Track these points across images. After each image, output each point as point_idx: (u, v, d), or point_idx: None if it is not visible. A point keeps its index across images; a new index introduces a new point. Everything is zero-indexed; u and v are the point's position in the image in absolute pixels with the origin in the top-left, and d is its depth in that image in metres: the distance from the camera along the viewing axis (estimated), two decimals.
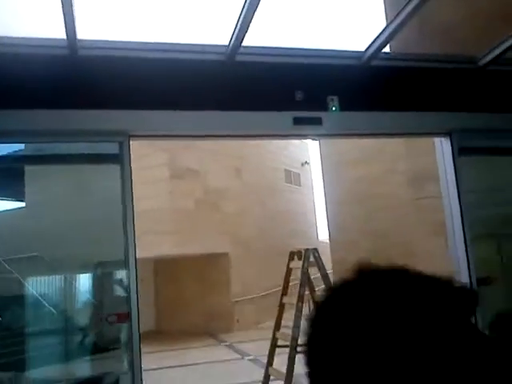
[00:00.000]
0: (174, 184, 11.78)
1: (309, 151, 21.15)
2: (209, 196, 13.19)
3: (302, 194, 19.87)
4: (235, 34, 3.26)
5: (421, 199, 11.33)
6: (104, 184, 3.40)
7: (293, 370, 4.13)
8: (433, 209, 10.97)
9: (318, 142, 16.73)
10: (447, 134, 3.85)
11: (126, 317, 3.07)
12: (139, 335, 3.07)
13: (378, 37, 3.56)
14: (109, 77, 3.25)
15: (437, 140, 4.01)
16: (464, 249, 3.70)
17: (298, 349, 4.19)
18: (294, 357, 4.19)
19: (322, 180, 16.39)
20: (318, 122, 3.47)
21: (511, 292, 4.66)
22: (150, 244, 10.51)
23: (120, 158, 3.25)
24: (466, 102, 3.87)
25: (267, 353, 9.52)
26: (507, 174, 6.15)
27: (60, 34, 3.02)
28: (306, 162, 20.11)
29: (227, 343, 11.39)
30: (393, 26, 3.44)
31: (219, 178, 13.71)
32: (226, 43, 3.41)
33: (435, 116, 3.78)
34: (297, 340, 4.20)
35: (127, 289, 3.12)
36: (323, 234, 20.25)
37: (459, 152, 3.83)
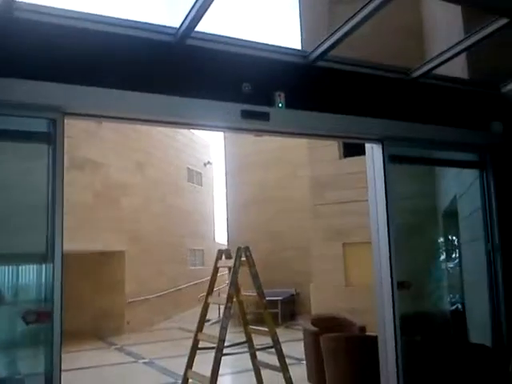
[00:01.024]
0: (73, 175, 10.92)
1: (211, 152, 21.10)
2: (109, 190, 12.47)
3: (203, 194, 19.75)
4: (189, 17, 3.07)
5: (319, 205, 11.80)
6: (29, 166, 2.98)
7: (218, 373, 4.00)
8: (329, 215, 11.54)
9: (223, 142, 16.74)
10: (379, 140, 3.99)
11: (47, 316, 2.71)
12: (61, 336, 2.73)
13: (325, 40, 3.59)
14: (45, 45, 2.87)
15: (368, 146, 4.15)
16: (388, 255, 3.84)
17: (225, 351, 4.06)
18: (220, 359, 4.05)
19: (224, 181, 16.39)
20: (265, 117, 3.40)
21: (423, 295, 5.00)
22: None
23: (52, 138, 2.88)
24: (399, 111, 4.05)
25: (163, 356, 9.24)
26: (428, 184, 6.61)
27: None
28: (208, 162, 20.02)
29: (118, 346, 10.80)
30: (340, 32, 3.48)
31: (121, 171, 13.05)
32: (177, 25, 3.21)
33: (370, 122, 3.90)
34: (224, 341, 4.06)
35: (51, 285, 2.76)
36: (220, 236, 20.30)
37: (389, 159, 4.00)
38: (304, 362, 6.22)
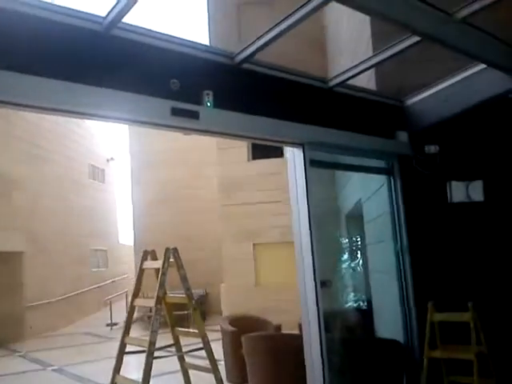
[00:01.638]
0: None
1: (114, 147, 20.32)
2: None
3: (106, 192, 18.98)
4: (118, 6, 2.96)
5: (228, 205, 11.92)
6: None
7: (150, 377, 3.87)
8: (238, 216, 11.71)
9: (128, 138, 16.24)
10: (300, 144, 4.14)
11: None
12: None
13: (251, 43, 3.65)
14: None
15: (289, 150, 4.29)
16: (311, 255, 4.00)
17: (156, 354, 3.95)
18: (151, 362, 3.92)
19: (130, 179, 15.92)
20: (195, 115, 3.38)
21: (341, 292, 5.26)
22: None
23: None
24: (318, 117, 4.24)
25: (73, 362, 8.72)
26: (332, 188, 6.92)
27: None
28: (111, 158, 19.27)
29: (21, 353, 10.03)
30: (268, 36, 3.56)
31: (12, 163, 12.08)
32: (103, 14, 3.09)
33: (292, 126, 4.03)
34: (154, 344, 3.94)
35: None
36: (125, 236, 19.66)
37: (310, 163, 4.17)
38: (222, 362, 6.24)
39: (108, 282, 17.21)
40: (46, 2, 2.90)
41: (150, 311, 12.40)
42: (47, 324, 12.65)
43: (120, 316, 14.24)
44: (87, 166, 17.33)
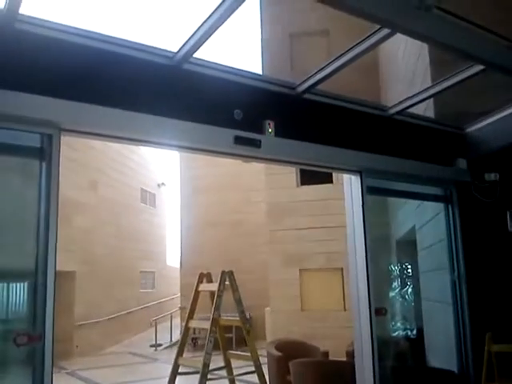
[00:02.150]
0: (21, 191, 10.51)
1: (164, 173, 20.91)
2: (61, 208, 12.03)
3: (156, 216, 19.46)
4: (190, 42, 3.13)
5: (275, 231, 11.95)
6: (23, 182, 2.91)
7: None
8: (285, 241, 11.71)
9: (178, 164, 16.67)
10: (358, 171, 4.17)
11: (38, 338, 2.62)
12: (52, 358, 2.64)
13: (313, 74, 3.75)
14: (45, 59, 2.84)
15: (346, 177, 4.32)
16: (366, 283, 3.98)
17: (210, 376, 4.00)
18: None
19: (179, 203, 16.27)
20: (257, 144, 3.48)
21: (396, 320, 5.16)
22: None
23: (47, 154, 2.82)
24: (376, 144, 4.26)
25: (118, 381, 8.91)
26: (386, 214, 6.86)
27: None
28: (162, 184, 19.80)
29: (68, 370, 10.33)
30: (328, 69, 3.64)
31: (73, 188, 12.68)
32: (174, 49, 3.27)
33: (350, 154, 4.07)
34: (208, 366, 4.00)
35: (42, 305, 2.68)
36: (172, 259, 19.99)
37: (367, 190, 4.18)
38: None
39: (155, 302, 17.48)
40: (120, 38, 3.10)
41: (194, 333, 12.50)
42: (94, 343, 12.95)
43: (164, 337, 14.40)
44: (139, 190, 17.88)
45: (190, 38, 3.12)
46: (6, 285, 2.81)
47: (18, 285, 2.85)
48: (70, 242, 12.08)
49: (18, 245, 2.85)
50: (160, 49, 3.29)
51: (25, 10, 2.67)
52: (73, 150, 12.57)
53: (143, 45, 3.22)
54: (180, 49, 3.23)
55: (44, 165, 2.84)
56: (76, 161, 12.83)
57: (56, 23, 2.88)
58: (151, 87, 3.23)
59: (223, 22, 2.88)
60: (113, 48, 3.08)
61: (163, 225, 20.58)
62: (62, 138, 2.89)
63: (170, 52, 3.29)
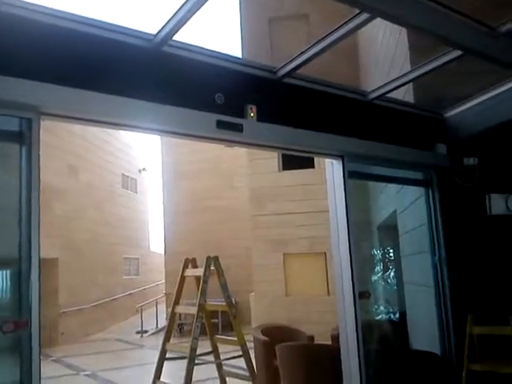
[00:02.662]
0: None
1: (146, 158, 20.74)
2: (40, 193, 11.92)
3: (138, 202, 19.35)
4: (169, 24, 3.10)
5: (258, 215, 12.01)
6: (2, 168, 2.87)
7: (191, 383, 3.96)
8: (269, 226, 11.78)
9: (160, 149, 16.56)
10: (340, 156, 4.20)
11: (24, 325, 2.61)
12: (39, 345, 2.64)
13: (294, 58, 3.75)
14: (25, 42, 2.78)
15: (328, 161, 4.35)
16: (349, 267, 4.03)
17: (197, 360, 4.04)
18: (193, 369, 4.02)
19: (161, 188, 16.20)
20: (239, 128, 3.48)
21: (379, 304, 5.25)
22: None
23: (27, 138, 2.79)
24: (357, 129, 4.30)
25: (105, 368, 8.95)
26: (366, 199, 6.93)
27: None
28: (143, 169, 19.66)
29: (54, 358, 10.32)
30: (309, 53, 3.65)
31: (53, 174, 12.52)
32: (154, 32, 3.24)
33: (332, 138, 4.10)
34: (195, 351, 4.04)
35: (27, 292, 2.67)
36: (155, 245, 19.95)
37: (349, 174, 4.22)
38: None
39: (139, 289, 17.48)
40: (98, 20, 3.06)
41: (180, 319, 12.56)
42: (79, 330, 12.93)
43: (150, 323, 14.44)
44: (120, 176, 17.73)
45: (169, 20, 3.08)
46: None
47: (2, 272, 2.83)
48: (52, 228, 11.96)
49: (1, 232, 2.82)
50: (139, 31, 3.25)
51: None
52: (52, 135, 12.39)
53: (122, 27, 3.18)
54: (159, 31, 3.20)
55: (24, 149, 2.80)
56: (55, 146, 12.65)
57: (35, 4, 2.82)
58: (131, 70, 3.20)
59: (203, 4, 2.86)
60: (92, 30, 3.04)
61: (146, 211, 20.49)
62: (41, 122, 2.86)
63: (149, 34, 3.25)
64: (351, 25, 3.20)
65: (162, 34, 3.19)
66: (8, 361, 2.74)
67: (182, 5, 2.92)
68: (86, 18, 3.00)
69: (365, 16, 3.05)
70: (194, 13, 2.94)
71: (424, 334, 5.28)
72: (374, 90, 4.45)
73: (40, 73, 2.77)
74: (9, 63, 2.69)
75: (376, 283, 7.35)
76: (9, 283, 2.81)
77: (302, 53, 3.67)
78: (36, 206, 2.76)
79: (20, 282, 2.68)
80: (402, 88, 4.89)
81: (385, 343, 5.39)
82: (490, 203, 4.69)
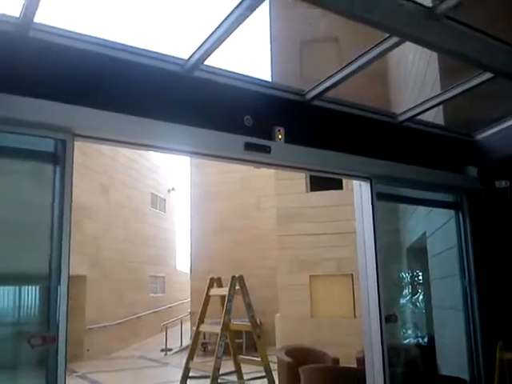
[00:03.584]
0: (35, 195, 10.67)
1: (175, 178, 21.02)
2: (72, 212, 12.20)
3: (166, 221, 19.56)
4: (200, 50, 3.18)
5: (284, 236, 11.96)
6: (37, 186, 2.97)
7: None
8: (295, 246, 11.71)
9: (189, 170, 16.76)
10: (368, 178, 4.18)
11: (52, 339, 2.67)
12: (65, 360, 2.69)
13: (322, 81, 3.78)
14: (59, 66, 2.90)
15: (356, 183, 4.33)
16: (376, 289, 3.98)
17: (219, 380, 4.03)
18: None
19: (189, 208, 16.34)
20: (267, 150, 3.51)
21: (406, 327, 5.15)
22: None
23: (61, 159, 2.88)
24: (386, 151, 4.28)
25: None
26: (396, 221, 6.85)
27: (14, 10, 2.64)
28: (172, 189, 19.93)
29: (79, 373, 10.42)
30: (338, 76, 3.67)
31: (84, 193, 12.82)
32: (185, 57, 3.32)
33: (360, 160, 4.09)
34: (218, 370, 4.03)
35: (55, 308, 2.73)
36: (181, 264, 20.06)
37: (377, 196, 4.19)
38: None
39: (164, 307, 17.54)
40: (132, 46, 3.16)
41: (204, 338, 12.52)
42: (104, 347, 13.02)
43: (174, 342, 14.43)
44: (149, 195, 18.00)
45: (200, 46, 3.17)
46: (21, 288, 2.86)
47: (33, 288, 2.90)
48: (81, 246, 12.20)
49: (33, 249, 2.90)
50: (171, 56, 3.34)
51: (39, 18, 2.74)
52: (83, 155, 12.72)
53: (155, 52, 3.28)
54: (191, 56, 3.28)
55: (58, 169, 2.89)
56: (86, 166, 12.97)
57: (69, 31, 2.94)
58: (162, 94, 3.28)
59: (234, 30, 2.92)
60: (125, 55, 3.14)
61: (173, 230, 20.68)
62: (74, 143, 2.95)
63: (180, 59, 3.34)
64: (380, 48, 3.21)
65: (194, 59, 3.27)
66: (34, 375, 2.79)
67: (214, 30, 3.00)
68: (119, 44, 3.11)
69: (394, 40, 3.07)
70: (225, 38, 3.00)
71: (453, 359, 5.13)
72: (403, 112, 4.43)
73: (75, 96, 2.88)
74: (45, 87, 2.81)
75: (404, 306, 7.19)
76: (38, 299, 2.87)
77: (331, 76, 3.69)
78: (67, 224, 2.83)
79: (49, 298, 2.74)
80: (432, 110, 4.86)
81: (412, 367, 5.25)
82: None
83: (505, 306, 4.46)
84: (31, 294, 2.91)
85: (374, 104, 4.55)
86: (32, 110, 2.74)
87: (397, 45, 3.13)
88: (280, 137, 3.65)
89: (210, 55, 3.21)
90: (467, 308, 4.63)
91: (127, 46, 3.15)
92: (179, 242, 20.77)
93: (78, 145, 3.05)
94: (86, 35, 3.01)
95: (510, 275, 4.53)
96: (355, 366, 5.97)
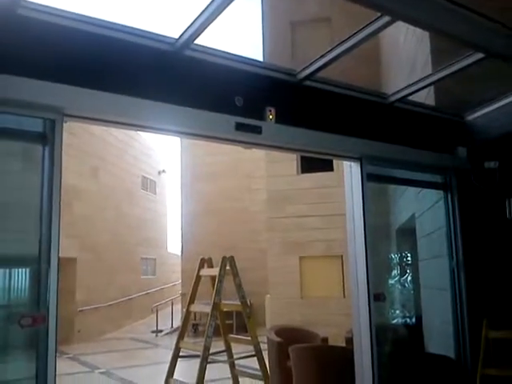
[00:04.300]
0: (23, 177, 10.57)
1: (165, 160, 20.93)
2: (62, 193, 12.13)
3: (157, 203, 19.52)
4: (191, 29, 3.14)
5: (275, 218, 11.99)
6: (25, 167, 2.94)
7: (203, 382, 3.99)
8: (285, 228, 11.76)
9: (179, 151, 16.68)
10: (358, 158, 4.19)
11: (42, 319, 2.67)
12: (56, 341, 2.70)
13: (314, 61, 3.76)
14: (48, 45, 2.85)
15: (346, 164, 4.34)
16: (365, 268, 4.02)
17: (209, 359, 4.07)
18: (205, 367, 4.05)
19: (180, 190, 16.31)
20: (258, 130, 3.51)
21: (394, 307, 5.22)
22: None
23: (50, 139, 2.85)
24: (376, 132, 4.28)
25: (120, 366, 9.05)
26: (385, 202, 6.89)
27: None
28: (162, 171, 19.84)
29: (70, 355, 10.47)
30: (329, 56, 3.65)
31: (74, 175, 12.72)
32: (176, 35, 3.28)
33: (350, 141, 4.09)
34: (209, 350, 4.07)
35: (46, 288, 2.73)
36: (172, 246, 20.10)
37: (367, 177, 4.20)
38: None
39: (156, 289, 17.63)
40: (121, 24, 3.10)
41: (195, 319, 12.63)
42: (95, 328, 13.09)
43: (165, 323, 14.54)
44: (140, 177, 17.92)
45: (191, 25, 3.13)
46: (10, 270, 2.85)
47: (23, 270, 2.89)
48: (71, 228, 12.14)
49: (22, 230, 2.89)
50: (161, 35, 3.30)
51: None
52: (73, 137, 12.59)
53: (145, 31, 3.23)
54: (181, 35, 3.24)
55: (47, 150, 2.87)
56: (76, 147, 12.85)
57: (58, 9, 2.89)
58: (153, 73, 3.25)
59: (225, 8, 2.89)
60: (115, 34, 3.09)
61: (164, 212, 20.67)
62: (64, 124, 2.92)
63: (171, 38, 3.30)
64: (372, 28, 3.19)
65: (184, 37, 3.23)
66: (24, 356, 2.80)
67: (204, 9, 2.96)
68: (109, 22, 3.06)
69: (386, 19, 3.05)
70: (216, 17, 2.97)
71: (439, 338, 5.23)
72: (394, 93, 4.43)
73: (63, 75, 2.84)
74: (33, 66, 2.76)
75: (392, 287, 7.29)
76: (28, 280, 2.88)
77: (322, 56, 3.67)
78: (57, 205, 2.81)
79: (39, 280, 2.74)
80: (423, 91, 4.86)
81: (399, 346, 5.35)
82: (510, 207, 4.64)
83: (491, 285, 4.54)
84: (21, 276, 2.90)
85: (365, 85, 4.54)
86: (21, 88, 2.70)
87: (388, 24, 3.11)
88: (271, 117, 3.64)
89: (200, 34, 3.18)
90: (454, 288, 4.70)
91: (117, 24, 3.10)
92: (170, 224, 20.80)
93: (68, 126, 3.02)
94: (75, 13, 2.96)
95: (497, 255, 4.60)
96: (344, 345, 6.07)
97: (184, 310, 4.97)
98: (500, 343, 4.29)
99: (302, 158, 11.45)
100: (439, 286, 5.12)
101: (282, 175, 12.01)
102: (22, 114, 2.80)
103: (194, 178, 16.05)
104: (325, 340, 6.59)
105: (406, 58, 6.97)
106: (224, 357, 4.95)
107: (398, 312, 6.80)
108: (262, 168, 12.88)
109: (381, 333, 4.40)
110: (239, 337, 5.42)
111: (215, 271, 4.56)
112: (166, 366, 4.80)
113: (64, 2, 3.03)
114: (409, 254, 7.46)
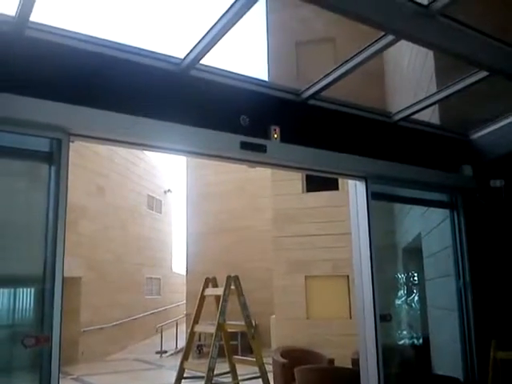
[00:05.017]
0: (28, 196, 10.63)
1: (171, 179, 21.00)
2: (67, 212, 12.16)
3: (162, 222, 19.52)
4: (196, 49, 3.18)
5: (280, 237, 11.93)
6: (31, 186, 2.95)
7: None
8: (291, 248, 11.69)
9: (185, 170, 16.74)
10: (363, 178, 4.18)
11: (46, 340, 2.65)
12: (59, 361, 2.67)
13: (318, 81, 3.78)
14: (55, 65, 2.89)
15: (351, 183, 4.33)
16: (371, 288, 3.98)
17: (214, 380, 4.01)
18: None
19: (186, 209, 16.30)
20: (263, 149, 3.52)
21: (401, 327, 5.14)
22: None
23: (56, 159, 2.87)
24: (381, 150, 4.28)
25: None
26: (391, 221, 6.85)
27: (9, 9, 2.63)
28: (168, 190, 19.89)
29: (74, 376, 10.37)
30: (333, 75, 3.67)
31: (79, 194, 12.77)
32: (181, 56, 3.32)
33: (355, 160, 4.09)
34: (213, 371, 4.01)
35: (50, 308, 2.71)
36: (177, 265, 20.03)
37: (372, 196, 4.19)
38: None
39: (160, 309, 17.50)
40: (127, 45, 3.15)
41: (200, 340, 12.49)
42: (99, 349, 12.97)
43: (169, 344, 14.39)
44: (146, 196, 17.97)
45: (196, 45, 3.16)
46: (15, 290, 2.84)
47: (27, 289, 2.88)
48: (76, 247, 12.15)
49: (27, 250, 2.89)
50: (167, 55, 3.34)
51: (35, 17, 2.73)
52: (79, 156, 12.67)
53: (151, 51, 3.27)
54: (187, 55, 3.28)
55: (53, 169, 2.88)
56: (82, 166, 12.93)
57: (65, 30, 2.94)
58: (159, 93, 3.27)
59: (230, 29, 2.92)
60: (121, 54, 3.13)
61: (169, 231, 20.64)
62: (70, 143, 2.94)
63: (176, 58, 3.34)
64: (375, 47, 3.22)
65: (190, 58, 3.27)
66: (28, 376, 2.78)
67: (210, 29, 2.99)
68: (115, 43, 3.10)
69: (390, 38, 3.07)
70: (221, 37, 3.00)
71: (447, 359, 5.14)
72: (399, 112, 4.44)
73: (70, 95, 2.87)
74: (40, 86, 2.80)
75: (399, 307, 7.20)
76: (32, 300, 2.86)
77: (327, 75, 3.70)
78: (62, 225, 2.81)
79: (43, 299, 2.72)
80: (428, 110, 4.87)
81: (407, 367, 5.26)
82: None
83: (498, 305, 4.47)
84: (25, 296, 2.89)
85: (370, 104, 4.55)
86: (27, 108, 2.72)
87: (392, 43, 3.13)
88: (276, 136, 3.65)
89: (206, 54, 3.21)
90: (461, 307, 4.64)
91: (123, 44, 3.14)
92: (175, 244, 20.75)
93: (74, 146, 3.04)
94: (81, 34, 3.00)
95: (505, 275, 4.54)
96: (350, 366, 5.97)
97: (188, 330, 4.92)
98: (508, 364, 4.20)
99: (307, 177, 11.44)
100: (446, 306, 5.05)
101: (288, 194, 11.99)
102: (28, 134, 2.81)
103: (200, 198, 16.06)
104: (331, 361, 6.50)
105: (410, 77, 7.00)
106: (229, 378, 4.89)
107: (404, 332, 6.70)
108: (268, 187, 12.88)
109: (388, 354, 4.33)
110: (244, 358, 5.35)
111: (220, 291, 4.53)
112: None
113: (71, 22, 3.07)
114: (415, 274, 7.38)
